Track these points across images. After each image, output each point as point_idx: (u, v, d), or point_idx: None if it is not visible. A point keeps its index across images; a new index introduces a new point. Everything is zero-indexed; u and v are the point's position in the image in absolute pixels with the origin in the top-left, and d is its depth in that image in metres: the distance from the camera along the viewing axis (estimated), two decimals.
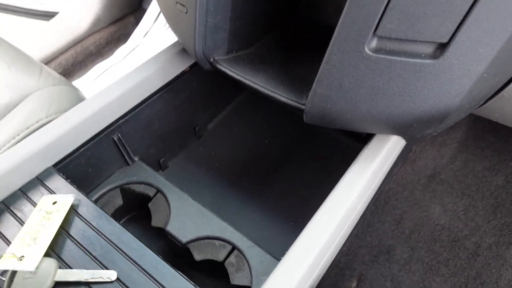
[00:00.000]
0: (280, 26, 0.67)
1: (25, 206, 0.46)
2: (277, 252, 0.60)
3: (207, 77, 0.66)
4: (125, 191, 0.60)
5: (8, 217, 0.45)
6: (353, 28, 0.38)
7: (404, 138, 0.53)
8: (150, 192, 0.60)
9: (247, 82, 0.52)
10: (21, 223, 0.45)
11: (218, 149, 0.75)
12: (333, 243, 0.46)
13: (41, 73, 0.62)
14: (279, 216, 0.65)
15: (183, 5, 0.50)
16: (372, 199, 0.91)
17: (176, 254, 0.61)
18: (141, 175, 0.61)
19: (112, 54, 1.28)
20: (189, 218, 0.56)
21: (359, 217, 0.51)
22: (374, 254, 0.91)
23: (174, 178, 0.70)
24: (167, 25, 1.28)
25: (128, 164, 0.62)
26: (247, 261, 0.53)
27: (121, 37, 1.31)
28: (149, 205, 0.59)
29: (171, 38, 1.26)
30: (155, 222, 0.57)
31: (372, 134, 0.53)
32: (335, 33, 0.39)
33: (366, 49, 0.38)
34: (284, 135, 0.77)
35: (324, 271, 0.48)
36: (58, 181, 0.49)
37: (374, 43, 0.38)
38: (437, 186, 1.02)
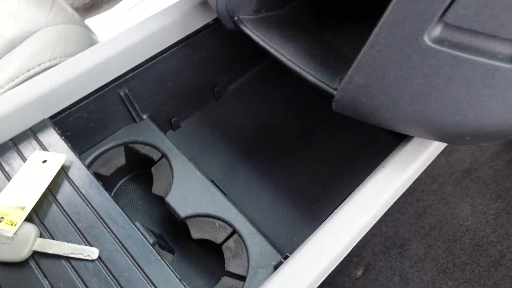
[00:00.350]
0: None
1: (14, 160, 0.43)
2: (280, 243, 0.56)
3: (232, 34, 0.58)
4: (129, 150, 0.56)
5: None
6: (413, 8, 0.29)
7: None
8: (155, 155, 0.55)
9: (273, 51, 0.44)
10: (8, 178, 0.41)
11: (235, 115, 0.69)
12: (350, 247, 0.41)
13: (52, 7, 0.56)
14: (289, 200, 0.60)
15: None
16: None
17: (175, 224, 0.58)
18: (148, 135, 0.56)
19: (115, 5, 1.19)
20: (191, 191, 0.52)
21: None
22: (387, 245, 0.86)
23: (184, 141, 0.65)
24: None
25: (135, 121, 0.57)
26: (246, 249, 0.49)
27: None
28: (152, 169, 0.55)
29: None
30: (156, 189, 0.53)
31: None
32: (388, 10, 0.30)
33: (425, 37, 0.30)
34: (310, 111, 0.69)
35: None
36: (52, 136, 0.45)
37: (438, 31, 0.30)
38: (470, 184, 0.93)
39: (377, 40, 0.32)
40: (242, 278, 0.47)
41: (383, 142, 0.62)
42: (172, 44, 0.54)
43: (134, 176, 0.62)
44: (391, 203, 0.44)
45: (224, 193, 0.52)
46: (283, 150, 0.65)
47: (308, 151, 0.65)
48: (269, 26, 0.46)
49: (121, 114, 0.55)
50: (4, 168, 0.42)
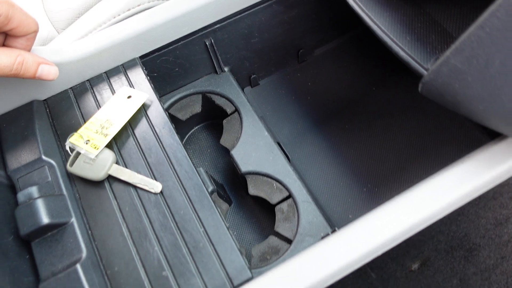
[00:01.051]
0: None
1: (105, 91, 0.48)
2: (334, 217, 0.55)
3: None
4: (206, 99, 0.58)
5: (89, 97, 0.47)
6: None
7: None
8: (229, 108, 0.57)
9: (366, 19, 0.41)
10: (98, 106, 0.46)
11: (316, 81, 0.67)
12: (405, 236, 0.39)
13: None
14: (352, 177, 0.58)
15: None
16: None
17: (236, 178, 0.60)
18: (226, 88, 0.58)
19: None
20: (256, 149, 0.53)
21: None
22: (453, 245, 0.80)
23: (260, 99, 0.66)
24: None
25: (216, 72, 0.59)
26: (298, 215, 0.49)
27: None
28: (224, 121, 0.57)
29: None
30: (223, 141, 0.55)
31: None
32: None
33: None
34: (395, 89, 0.64)
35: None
36: (139, 75, 0.48)
37: None
38: None
39: (490, 19, 0.28)
40: (289, 241, 0.48)
41: (471, 136, 0.56)
42: (258, 2, 0.53)
43: (207, 125, 0.65)
44: (464, 201, 0.40)
45: (288, 158, 0.52)
46: (357, 125, 0.62)
47: (384, 130, 0.61)
48: None
49: (204, 64, 0.57)
50: (96, 97, 0.47)
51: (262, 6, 0.54)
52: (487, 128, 0.40)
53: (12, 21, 0.36)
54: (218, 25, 0.52)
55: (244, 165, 0.52)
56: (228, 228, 0.39)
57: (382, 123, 0.62)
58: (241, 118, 0.56)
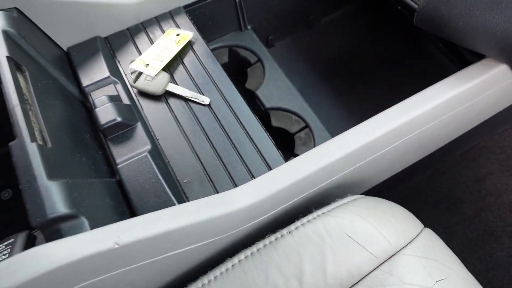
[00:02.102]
0: None
1: (157, 31, 0.57)
2: None
3: None
4: (232, 52, 0.68)
5: (143, 36, 0.57)
6: None
7: None
8: (252, 59, 0.67)
9: None
10: (151, 42, 0.56)
11: (322, 44, 0.78)
12: (388, 146, 0.48)
13: None
14: (357, 117, 0.68)
15: None
16: (463, 148, 0.87)
17: (260, 116, 0.70)
18: (249, 42, 0.68)
19: None
20: (277, 89, 0.63)
21: (431, 140, 0.52)
22: (438, 199, 0.90)
23: (275, 58, 0.76)
24: None
25: (241, 30, 0.69)
26: (314, 140, 0.59)
27: None
28: (248, 70, 0.67)
29: None
30: (249, 84, 0.65)
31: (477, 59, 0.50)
32: None
33: None
34: (388, 47, 0.76)
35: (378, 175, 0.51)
36: (184, 20, 0.58)
37: None
38: None
39: None
40: None
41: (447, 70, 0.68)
42: None
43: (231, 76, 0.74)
44: (445, 117, 0.50)
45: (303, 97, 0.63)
46: (357, 77, 0.74)
47: (380, 78, 0.72)
48: None
49: (231, 20, 0.67)
50: (149, 35, 0.57)
51: None
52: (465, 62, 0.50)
53: None
54: None
55: (267, 102, 0.62)
56: (265, 130, 0.49)
57: (378, 74, 0.73)
58: (263, 66, 0.66)
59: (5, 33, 0.43)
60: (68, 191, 0.35)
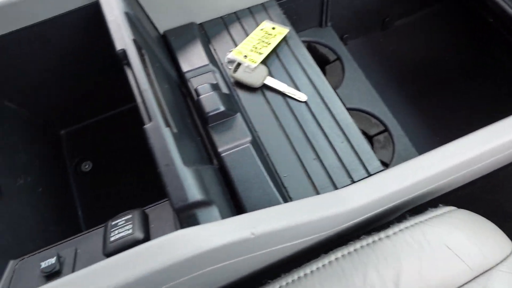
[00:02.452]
0: None
1: (250, 22, 0.57)
2: (422, 150, 0.66)
3: None
4: (310, 47, 0.68)
5: (237, 26, 0.57)
6: None
7: None
8: (331, 56, 0.67)
9: None
10: (245, 33, 0.56)
11: (395, 46, 0.77)
12: (466, 168, 0.48)
13: None
14: (433, 124, 0.69)
15: None
16: None
17: None
18: (329, 39, 0.68)
19: None
20: (357, 90, 0.63)
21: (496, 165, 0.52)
22: (488, 212, 0.90)
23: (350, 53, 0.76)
24: None
25: (321, 26, 0.69)
26: (393, 144, 0.60)
27: None
28: (326, 67, 0.67)
29: None
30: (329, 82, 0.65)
31: None
32: None
33: None
34: (466, 58, 0.75)
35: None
36: (276, 13, 0.58)
37: None
38: None
39: None
40: (385, 165, 0.59)
41: None
42: None
43: None
44: None
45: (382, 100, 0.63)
46: (431, 83, 0.73)
47: (453, 87, 0.72)
48: None
49: (314, 16, 0.67)
50: (243, 26, 0.57)
51: None
52: None
53: None
54: None
55: (348, 102, 0.62)
56: (360, 131, 0.49)
57: (459, 84, 0.72)
58: (343, 65, 0.66)
59: (127, 14, 0.43)
60: (199, 177, 0.35)
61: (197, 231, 0.31)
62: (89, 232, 0.42)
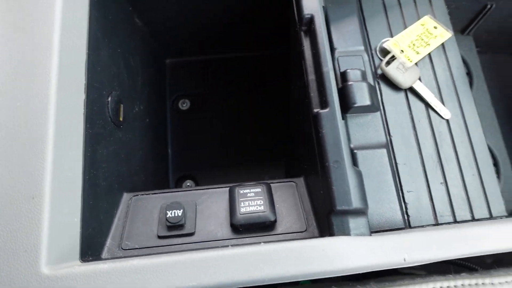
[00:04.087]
0: None
1: (411, 12, 0.52)
2: None
3: None
4: None
5: (397, 13, 0.52)
6: None
7: None
8: None
9: None
10: (404, 24, 0.51)
11: None
12: None
13: None
14: None
15: None
16: None
17: None
18: (465, 50, 0.63)
19: None
20: (479, 114, 0.60)
21: None
22: None
23: (483, 69, 0.71)
24: None
25: (462, 33, 0.63)
26: (499, 180, 0.57)
27: None
28: None
29: None
30: None
31: None
32: None
33: None
34: None
35: None
36: (442, 10, 0.53)
37: None
38: None
39: None
40: None
41: None
42: None
43: None
44: None
45: None
46: None
47: None
48: None
49: (461, 21, 0.61)
50: (403, 15, 0.52)
51: None
52: None
53: None
54: None
55: None
56: (495, 169, 0.47)
57: None
58: (472, 83, 0.61)
59: None
60: (361, 182, 0.34)
61: (354, 245, 0.30)
62: (209, 188, 0.42)
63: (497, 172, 0.58)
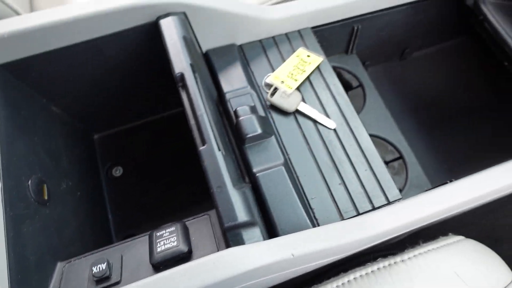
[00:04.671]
0: None
1: (287, 48, 0.61)
2: (433, 179, 0.70)
3: (447, 8, 0.70)
4: (335, 72, 0.72)
5: (275, 50, 0.61)
6: None
7: None
8: (354, 83, 0.71)
9: (503, 35, 0.56)
10: (282, 58, 0.60)
11: (413, 76, 0.82)
12: (467, 205, 0.53)
13: None
14: (444, 155, 0.73)
15: None
16: None
17: None
18: (353, 66, 0.72)
19: None
20: (376, 117, 0.68)
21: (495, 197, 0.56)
22: (481, 236, 0.95)
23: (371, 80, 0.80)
24: None
25: (346, 53, 0.73)
26: (406, 172, 0.64)
27: None
28: (349, 93, 0.71)
29: None
30: None
31: None
32: None
33: None
34: (480, 94, 0.80)
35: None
36: (311, 40, 0.62)
37: None
38: None
39: None
40: (399, 191, 0.63)
41: None
42: (403, 4, 0.68)
43: None
44: None
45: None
46: (452, 117, 0.78)
47: (475, 121, 0.77)
48: (504, 12, 0.58)
49: (342, 43, 0.71)
50: (280, 51, 0.61)
51: (397, 9, 0.69)
52: None
53: None
54: (366, 16, 0.67)
55: (367, 129, 0.66)
56: (383, 161, 0.53)
57: (467, 117, 0.77)
58: (364, 92, 0.70)
59: (184, 39, 0.47)
60: (246, 199, 0.39)
61: (247, 251, 0.35)
62: (133, 239, 0.46)
63: (404, 163, 0.65)
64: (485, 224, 0.98)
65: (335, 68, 0.72)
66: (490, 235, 0.96)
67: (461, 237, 0.52)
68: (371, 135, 0.66)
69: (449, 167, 0.73)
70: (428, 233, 0.55)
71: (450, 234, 0.52)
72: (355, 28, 0.68)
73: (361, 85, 0.71)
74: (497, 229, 0.97)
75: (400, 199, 0.51)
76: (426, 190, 0.53)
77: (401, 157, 0.66)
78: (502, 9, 0.58)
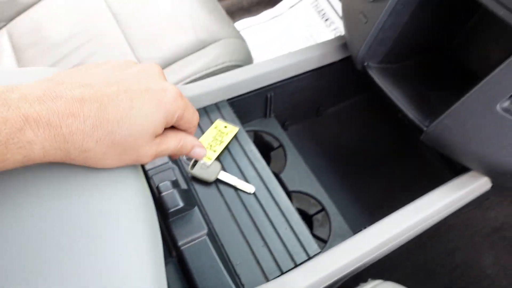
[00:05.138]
0: (424, 54, 0.78)
1: (205, 120, 0.66)
2: (354, 226, 0.76)
3: (345, 72, 0.80)
4: (257, 135, 0.78)
5: None
6: (495, 87, 0.49)
7: (492, 183, 0.64)
8: (275, 144, 0.77)
9: (388, 93, 0.65)
10: (201, 131, 0.65)
11: (329, 131, 0.90)
12: (389, 243, 0.59)
13: (229, 25, 0.80)
14: (362, 202, 0.80)
15: (365, 16, 0.63)
16: (436, 224, 1.00)
17: None
18: (272, 128, 0.79)
19: (258, 14, 1.45)
20: (298, 174, 0.73)
21: (418, 233, 0.63)
22: (414, 270, 1.02)
23: (290, 140, 0.87)
24: (320, 11, 1.42)
25: (265, 117, 0.80)
26: (329, 222, 0.69)
27: (271, 1, 1.47)
28: (271, 153, 0.77)
29: (313, 20, 1.40)
30: (273, 167, 0.75)
31: (464, 170, 0.64)
32: (479, 85, 0.50)
33: (497, 106, 0.50)
34: (387, 142, 0.89)
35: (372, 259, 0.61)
36: (228, 111, 0.68)
37: (506, 104, 0.50)
38: (497, 240, 1.08)
39: (468, 100, 0.52)
40: (324, 241, 0.67)
41: (440, 175, 0.81)
42: (308, 71, 0.77)
43: None
44: (434, 219, 0.61)
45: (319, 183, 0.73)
46: (361, 165, 0.86)
47: (381, 169, 0.85)
48: (385, 74, 0.68)
49: (260, 109, 0.78)
50: (199, 124, 0.65)
51: (305, 75, 0.78)
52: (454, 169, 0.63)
53: (182, 119, 0.37)
54: (278, 84, 0.75)
55: (291, 185, 0.72)
56: (301, 219, 0.58)
57: (379, 164, 0.86)
58: (285, 152, 0.76)
59: None
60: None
61: None
62: None
63: (326, 214, 0.70)
64: (418, 259, 1.05)
65: (256, 132, 0.78)
66: (423, 268, 1.03)
67: (379, 281, 0.56)
68: (294, 191, 0.72)
69: (370, 212, 0.80)
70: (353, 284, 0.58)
71: (369, 279, 0.56)
72: (269, 95, 0.76)
73: (281, 146, 0.77)
74: (428, 263, 1.04)
75: (319, 252, 0.55)
76: (347, 239, 0.58)
77: (323, 209, 0.71)
78: (383, 72, 0.68)
